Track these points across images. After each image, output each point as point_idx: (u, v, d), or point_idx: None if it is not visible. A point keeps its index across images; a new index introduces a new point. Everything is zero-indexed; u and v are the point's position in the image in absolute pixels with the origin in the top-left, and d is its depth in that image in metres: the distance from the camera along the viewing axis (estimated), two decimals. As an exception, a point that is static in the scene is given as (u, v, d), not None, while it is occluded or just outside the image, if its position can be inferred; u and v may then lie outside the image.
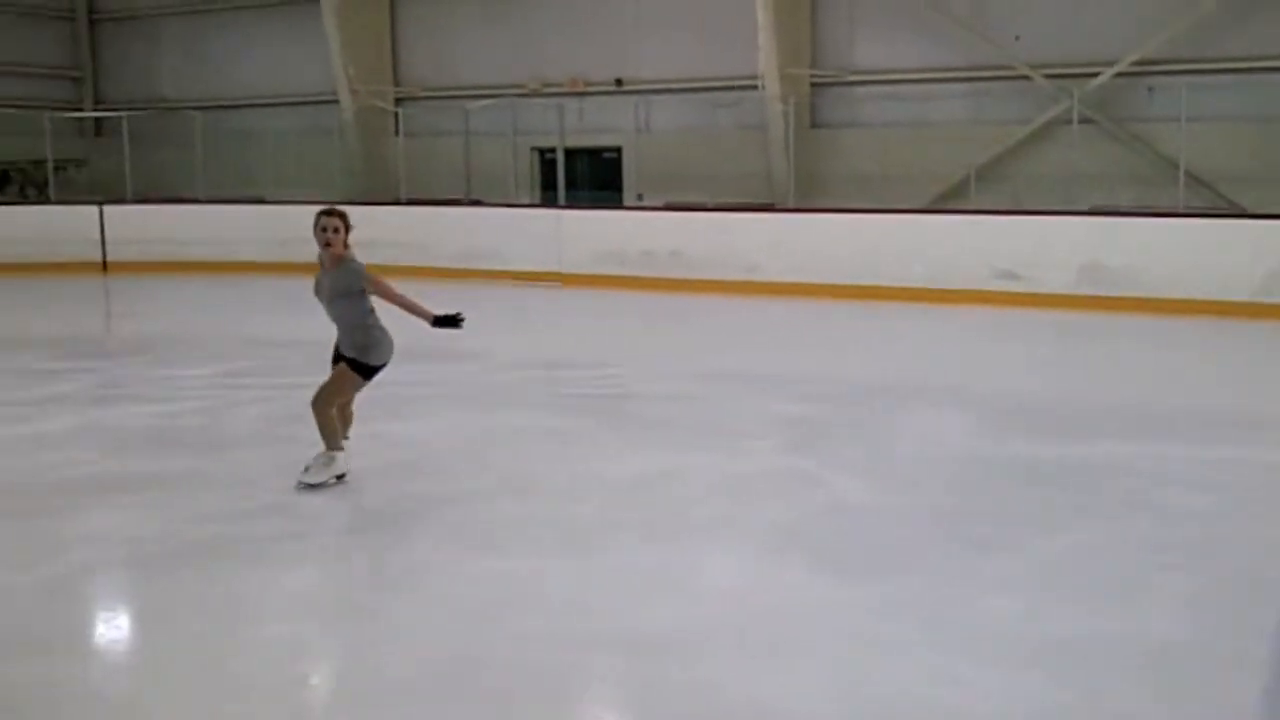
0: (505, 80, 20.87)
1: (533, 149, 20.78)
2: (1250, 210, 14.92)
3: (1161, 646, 4.33)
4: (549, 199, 19.48)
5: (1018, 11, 17.23)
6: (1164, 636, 4.42)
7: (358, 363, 6.27)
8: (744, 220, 16.32)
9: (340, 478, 6.38)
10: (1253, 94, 15.74)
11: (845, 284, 14.77)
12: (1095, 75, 16.56)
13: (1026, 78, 17.06)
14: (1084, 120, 16.54)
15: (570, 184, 18.69)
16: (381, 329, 6.34)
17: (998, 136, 17.18)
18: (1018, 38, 17.21)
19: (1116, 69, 16.43)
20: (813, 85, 18.79)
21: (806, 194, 17.97)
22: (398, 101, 22.24)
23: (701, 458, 7.11)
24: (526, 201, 19.92)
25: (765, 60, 17.91)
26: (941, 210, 16.43)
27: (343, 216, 6.23)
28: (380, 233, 17.88)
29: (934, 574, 5.13)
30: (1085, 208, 15.12)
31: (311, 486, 6.25)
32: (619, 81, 20.19)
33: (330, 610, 4.83)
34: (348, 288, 6.21)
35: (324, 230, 6.13)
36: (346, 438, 6.50)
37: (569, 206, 17.83)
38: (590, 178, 20.40)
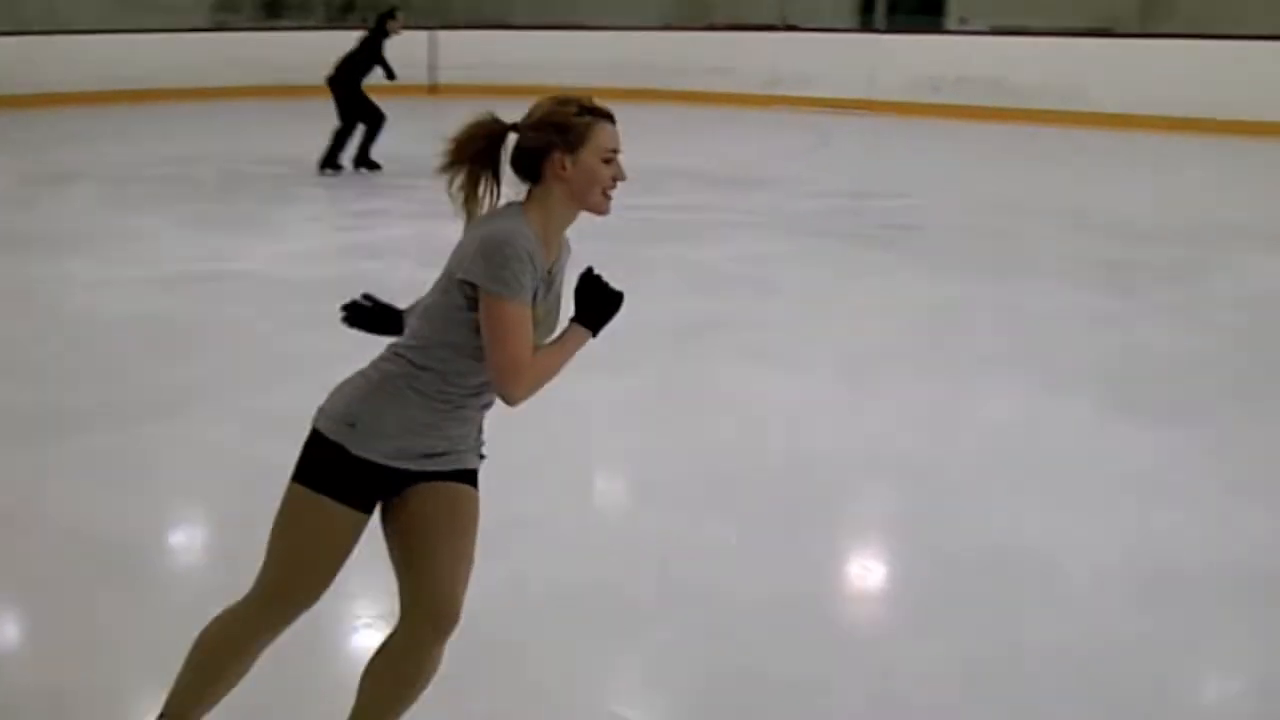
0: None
1: (852, -32, 20.07)
2: None
3: None
4: (866, 22, 18.86)
5: None
6: None
7: None
8: (1074, 45, 15.29)
9: None
10: None
11: (1186, 116, 13.68)
12: None
13: None
14: None
15: (891, 6, 18.00)
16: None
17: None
18: None
19: None
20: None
21: (1152, 16, 16.60)
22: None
23: (996, 291, 6.92)
24: (844, 25, 19.34)
25: None
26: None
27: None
28: (689, 59, 17.98)
29: (1231, 424, 4.87)
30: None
31: None
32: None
33: (620, 420, 5.05)
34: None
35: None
36: None
37: (886, 30, 17.22)
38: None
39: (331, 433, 2.28)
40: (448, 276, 2.29)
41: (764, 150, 13.58)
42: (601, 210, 2.37)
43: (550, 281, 2.33)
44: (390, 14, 11.48)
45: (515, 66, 18.76)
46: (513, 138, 2.34)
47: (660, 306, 6.67)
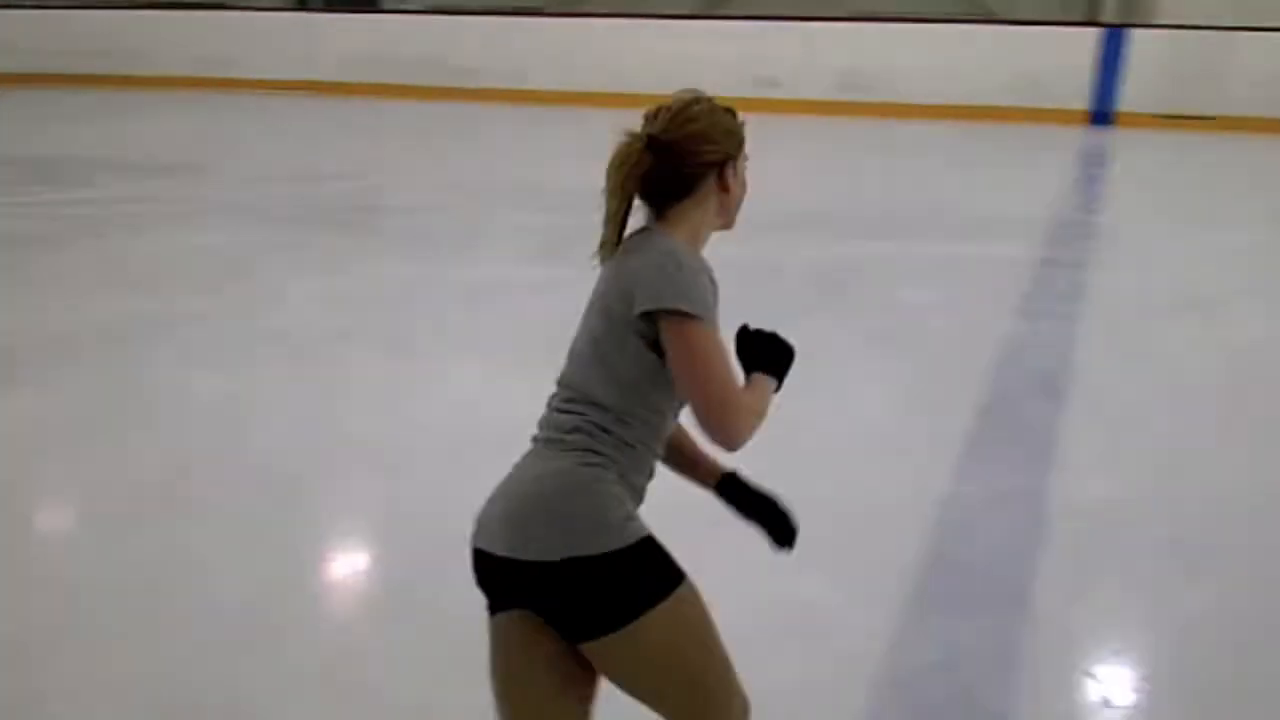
0: None
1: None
2: (1000, 15, 15.39)
3: (871, 432, 4.57)
4: (302, 3, 18.44)
5: None
6: (875, 422, 4.66)
7: None
8: (514, 25, 15.85)
9: None
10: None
11: (617, 92, 14.63)
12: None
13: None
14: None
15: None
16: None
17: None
18: None
19: None
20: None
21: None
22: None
23: (452, 270, 7.02)
24: (272, 4, 18.78)
25: None
26: (705, 15, 16.33)
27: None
28: (107, 40, 16.64)
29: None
30: (843, 13, 15.29)
31: None
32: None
33: (47, 440, 4.59)
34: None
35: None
36: None
37: (323, 9, 16.94)
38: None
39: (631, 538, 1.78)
40: (616, 326, 1.87)
41: (200, 135, 12.91)
42: (733, 223, 2.06)
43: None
44: None
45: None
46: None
47: (82, 310, 6.15)
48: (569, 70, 14.96)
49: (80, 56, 16.38)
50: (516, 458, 1.98)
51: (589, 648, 1.78)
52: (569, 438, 1.86)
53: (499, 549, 1.81)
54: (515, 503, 1.84)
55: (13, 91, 15.62)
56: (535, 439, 1.94)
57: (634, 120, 2.02)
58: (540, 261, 7.21)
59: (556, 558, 1.75)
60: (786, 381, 2.01)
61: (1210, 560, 3.59)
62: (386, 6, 18.47)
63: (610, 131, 1.98)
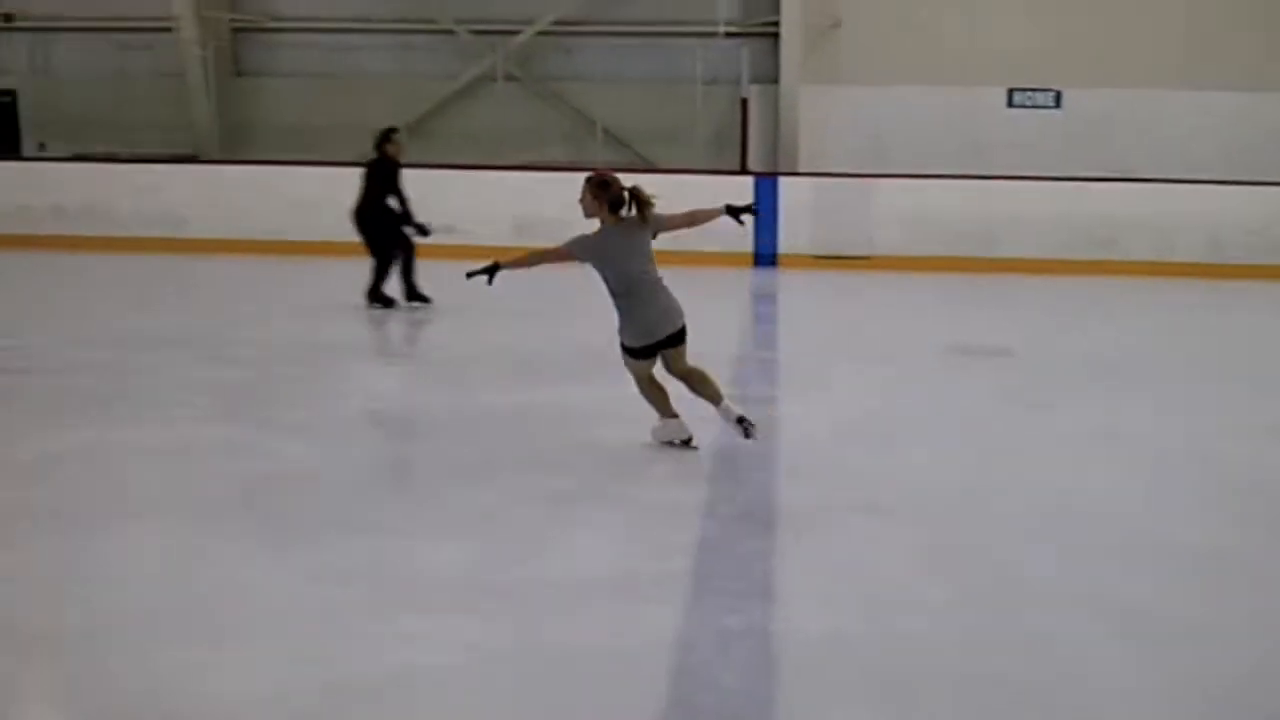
0: None
1: (-97, 90, 18.03)
2: (660, 165, 16.16)
3: (585, 579, 4.48)
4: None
5: (440, -35, 17.39)
6: (593, 568, 4.58)
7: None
8: (164, 172, 15.22)
9: (686, 442, 6.18)
10: (657, 57, 17.03)
11: (275, 240, 14.28)
12: (517, 34, 17.11)
13: (451, 32, 17.27)
14: (509, 78, 17.09)
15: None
16: (631, 306, 6.03)
17: (428, 91, 17.28)
18: (442, -9, 17.38)
19: (536, 28, 17.08)
20: (234, 30, 17.85)
21: (232, 145, 17.13)
22: None
23: (117, 432, 6.47)
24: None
25: (180, 2, 16.72)
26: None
27: (588, 181, 5.99)
28: None
29: (378, 531, 5.00)
30: (514, 162, 15.63)
31: (656, 441, 6.25)
32: (8, 16, 17.99)
33: None
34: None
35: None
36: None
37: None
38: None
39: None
40: (645, 238, 5.98)
41: None
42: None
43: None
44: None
45: None
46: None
47: None
48: (230, 219, 14.52)
49: None
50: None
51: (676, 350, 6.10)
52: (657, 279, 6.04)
53: (676, 326, 6.06)
54: (677, 304, 6.09)
55: None
56: (659, 280, 6.06)
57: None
58: (225, 419, 6.79)
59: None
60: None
61: (922, 694, 3.69)
62: (28, 154, 17.41)
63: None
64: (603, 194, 5.89)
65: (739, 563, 4.74)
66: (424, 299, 10.91)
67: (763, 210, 14.39)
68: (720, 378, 6.22)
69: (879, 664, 3.84)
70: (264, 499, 5.40)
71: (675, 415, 6.22)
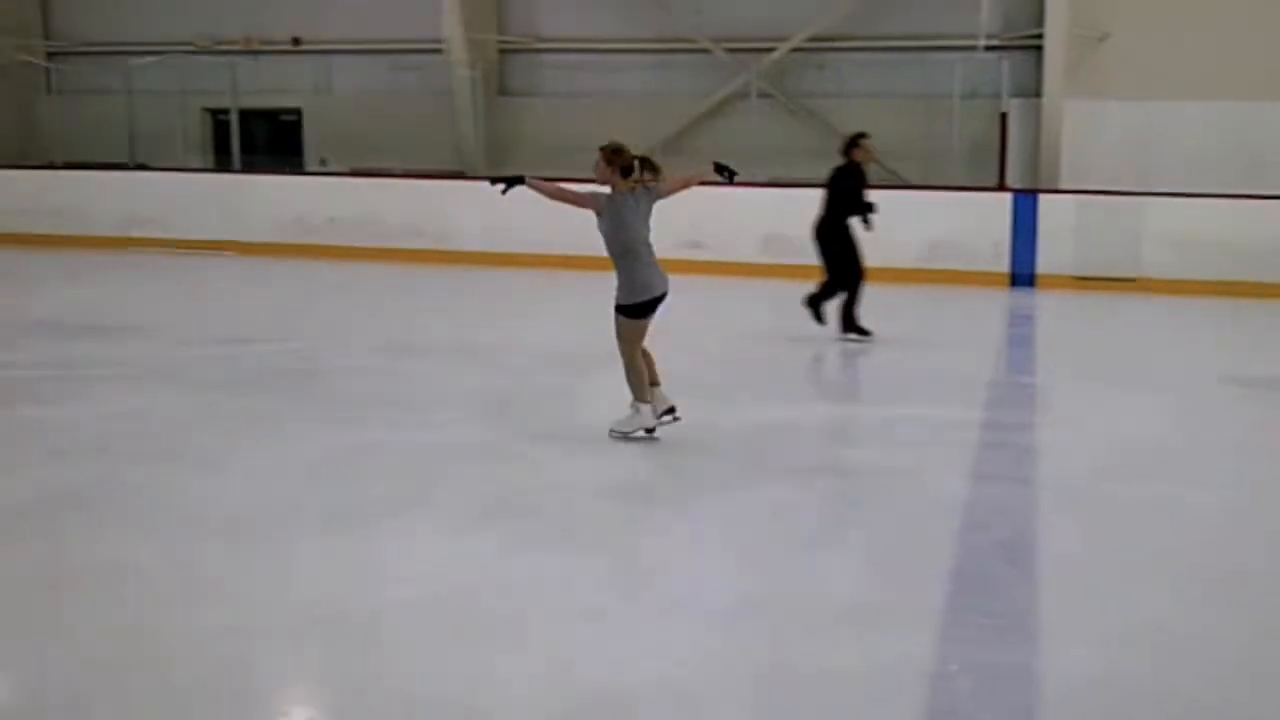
0: (173, 35, 19.51)
1: (204, 110, 19.57)
2: (913, 182, 15.90)
3: (841, 603, 4.45)
4: (223, 163, 18.45)
5: (700, -16, 17.64)
6: (844, 592, 4.55)
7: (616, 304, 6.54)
8: (435, 188, 15.97)
9: (650, 432, 6.53)
10: (913, 72, 16.76)
11: (542, 254, 14.73)
12: (771, 50, 17.17)
13: (707, 51, 17.49)
14: (762, 94, 17.15)
15: (246, 147, 17.75)
16: (631, 266, 6.49)
17: (681, 109, 17.54)
18: (699, 11, 17.61)
19: (790, 45, 17.09)
20: (500, 52, 18.61)
21: (495, 162, 17.81)
22: (50, 56, 20.42)
23: (391, 434, 6.84)
24: (198, 165, 18.78)
25: (450, 24, 17.56)
26: (629, 179, 16.64)
27: (602, 150, 6.57)
28: (30, 200, 16.49)
29: (629, 540, 5.12)
30: (765, 180, 15.67)
31: (620, 435, 6.54)
32: (297, 40, 19.31)
33: (-27, 621, 4.29)
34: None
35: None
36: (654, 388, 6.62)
37: (245, 171, 16.94)
38: (268, 140, 19.44)
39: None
40: (649, 205, 6.49)
41: (126, 296, 12.67)
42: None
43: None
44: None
45: None
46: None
47: (17, 478, 5.86)
48: (497, 232, 15.07)
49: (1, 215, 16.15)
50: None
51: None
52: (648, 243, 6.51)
53: (667, 289, 6.51)
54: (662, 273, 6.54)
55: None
56: (649, 250, 6.53)
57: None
58: (485, 423, 7.09)
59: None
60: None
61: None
62: (310, 169, 18.60)
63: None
64: (616, 160, 6.47)
65: (996, 594, 4.61)
66: (863, 332, 9.89)
67: (1022, 229, 14.02)
68: (973, 402, 6.12)
69: (1156, 711, 3.66)
70: (525, 503, 5.61)
71: (649, 401, 6.56)
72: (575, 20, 18.18)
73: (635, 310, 6.50)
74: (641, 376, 6.57)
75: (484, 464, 6.36)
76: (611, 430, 6.60)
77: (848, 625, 4.23)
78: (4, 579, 4.61)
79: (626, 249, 6.46)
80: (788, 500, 5.71)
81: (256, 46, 19.35)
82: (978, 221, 14.14)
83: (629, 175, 6.49)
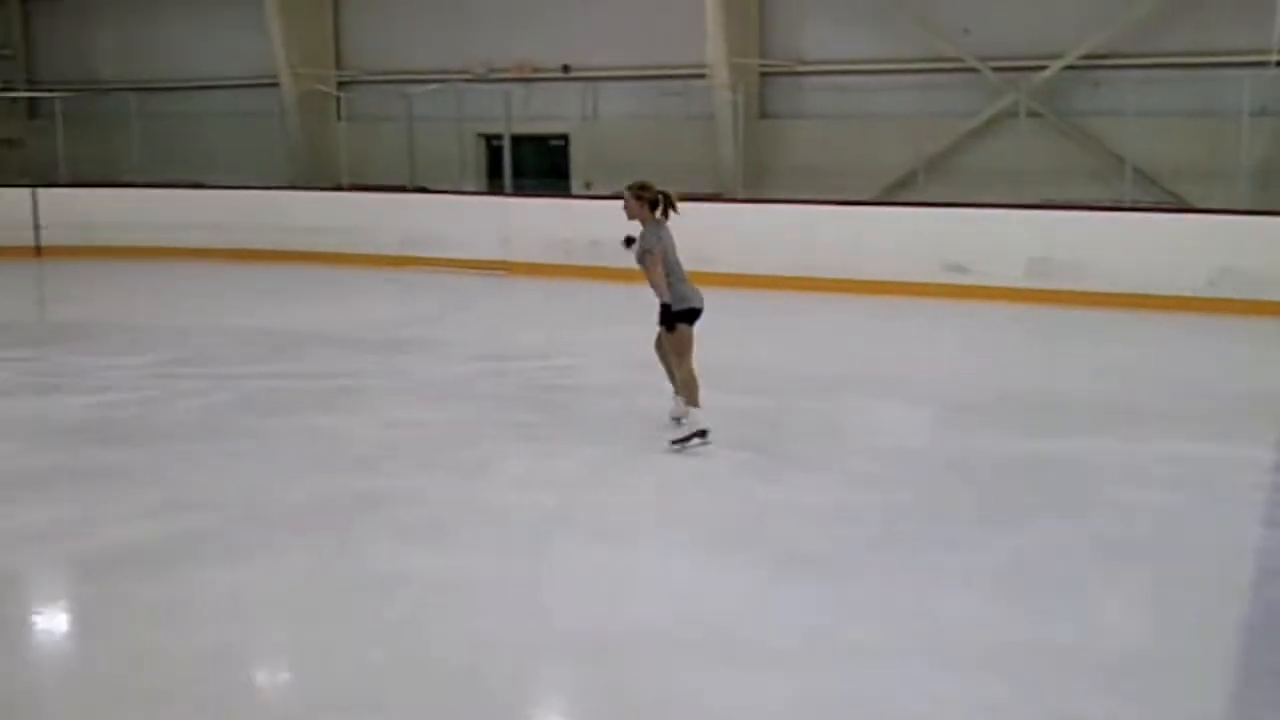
0: (451, 65, 20.56)
1: (479, 135, 20.50)
2: (1195, 205, 15.04)
3: (1125, 650, 4.24)
4: (495, 186, 19.25)
5: (968, 3, 17.23)
6: (1128, 640, 4.34)
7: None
8: (694, 209, 16.15)
9: (703, 434, 6.93)
10: (1196, 89, 15.86)
11: (796, 276, 14.70)
12: (1042, 69, 16.61)
13: (974, 70, 17.07)
14: (1031, 114, 16.60)
15: (517, 171, 18.46)
16: (676, 284, 7.29)
17: (946, 129, 17.18)
18: (967, 30, 17.22)
19: (1063, 63, 16.49)
20: (761, 75, 18.71)
21: (754, 184, 17.90)
22: (340, 85, 21.85)
23: (649, 453, 6.96)
24: (472, 189, 19.66)
25: (713, 49, 17.78)
26: (889, 202, 16.41)
27: (630, 188, 7.33)
28: (322, 219, 17.67)
29: (893, 574, 5.03)
30: (1034, 201, 15.14)
31: (678, 443, 6.93)
32: (566, 68, 19.98)
33: (268, 614, 4.62)
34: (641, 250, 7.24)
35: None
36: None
37: (515, 194, 17.62)
38: (537, 165, 20.17)
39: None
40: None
41: (406, 312, 13.39)
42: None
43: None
44: None
45: (130, 227, 17.77)
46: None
47: (304, 484, 6.27)
48: (753, 254, 15.14)
49: (293, 234, 17.33)
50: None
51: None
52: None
53: (702, 304, 7.25)
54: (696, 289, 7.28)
55: (225, 266, 16.56)
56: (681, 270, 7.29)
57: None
58: (740, 446, 7.12)
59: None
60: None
61: None
62: (576, 192, 19.17)
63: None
64: (644, 195, 7.30)
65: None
66: None
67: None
68: (1268, 442, 5.72)
69: None
70: (786, 529, 5.60)
71: (699, 405, 7.03)
72: (838, 42, 18.10)
73: (686, 315, 7.24)
74: (696, 379, 7.11)
75: (743, 486, 6.40)
76: (670, 442, 6.98)
77: (1131, 678, 4.02)
78: (282, 581, 4.93)
79: (669, 270, 7.19)
80: (1061, 537, 5.49)
81: (529, 74, 20.15)
82: (1267, 247, 13.22)
83: (655, 209, 7.27)
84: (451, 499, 6.07)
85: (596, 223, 16.33)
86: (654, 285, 7.17)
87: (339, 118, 20.94)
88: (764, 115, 18.76)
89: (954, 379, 9.58)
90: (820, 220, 15.01)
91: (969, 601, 4.70)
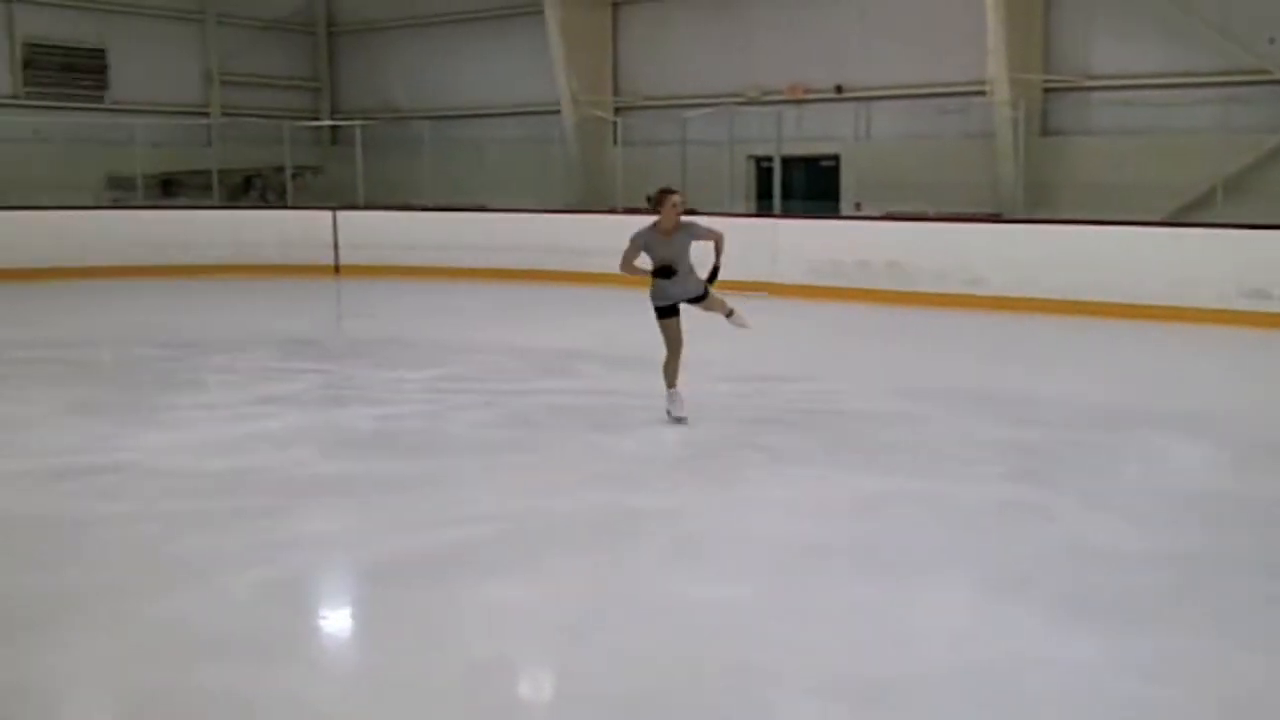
0: (723, 89, 20.77)
1: (749, 157, 20.58)
2: None
3: None
4: (764, 207, 19.26)
5: (1272, 10, 16.06)
6: None
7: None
8: (966, 230, 15.72)
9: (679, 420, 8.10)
10: None
11: (1075, 300, 14.03)
12: (1359, 79, 15.30)
13: (1279, 82, 15.88)
14: (1346, 128, 15.31)
15: (786, 193, 18.42)
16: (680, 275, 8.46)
17: (1246, 146, 16.04)
18: (1272, 40, 16.05)
19: (1384, 72, 15.13)
20: (1045, 90, 18.00)
21: (1035, 204, 17.23)
22: (617, 111, 22.42)
23: (919, 483, 6.76)
24: (741, 210, 19.75)
25: (994, 64, 17.25)
26: (1183, 223, 15.43)
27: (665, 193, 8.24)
28: (598, 240, 18.12)
29: (1193, 629, 4.68)
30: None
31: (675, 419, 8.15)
32: (839, 88, 19.81)
33: (538, 631, 4.71)
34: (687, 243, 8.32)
35: (674, 206, 8.12)
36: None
37: (784, 215, 17.58)
38: (806, 186, 20.08)
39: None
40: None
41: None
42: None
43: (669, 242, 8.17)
44: None
45: (418, 247, 18.79)
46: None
47: (574, 500, 6.40)
48: (1026, 276, 14.55)
49: (568, 255, 17.87)
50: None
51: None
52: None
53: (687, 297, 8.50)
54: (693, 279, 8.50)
55: (503, 285, 17.22)
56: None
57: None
58: (1018, 480, 6.82)
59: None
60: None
61: None
62: (845, 214, 18.95)
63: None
64: (681, 201, 8.21)
65: None
66: None
67: None
68: None
69: None
70: (1066, 571, 5.31)
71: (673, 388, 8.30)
72: (1129, 55, 17.21)
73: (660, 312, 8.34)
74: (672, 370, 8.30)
75: (1019, 522, 6.12)
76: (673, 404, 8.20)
77: None
78: (558, 598, 5.03)
79: (676, 263, 8.31)
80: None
81: (801, 96, 20.10)
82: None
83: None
84: (711, 524, 6.06)
85: (865, 243, 16.13)
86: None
87: (615, 142, 21.49)
88: (1046, 132, 18.04)
89: (1255, 415, 8.88)
90: (1106, 241, 14.27)
91: (1276, 666, 4.31)
